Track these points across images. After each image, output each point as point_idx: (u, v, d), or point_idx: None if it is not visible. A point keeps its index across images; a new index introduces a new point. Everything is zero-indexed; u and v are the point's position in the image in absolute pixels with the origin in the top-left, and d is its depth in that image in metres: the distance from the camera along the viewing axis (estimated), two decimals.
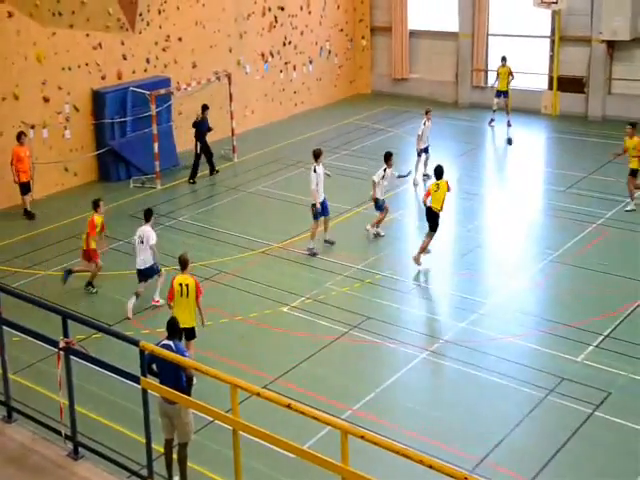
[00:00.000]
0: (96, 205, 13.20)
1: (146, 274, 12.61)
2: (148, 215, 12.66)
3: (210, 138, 19.05)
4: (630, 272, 13.27)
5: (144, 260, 12.50)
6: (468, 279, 13.62)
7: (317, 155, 14.39)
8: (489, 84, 22.55)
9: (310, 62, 24.35)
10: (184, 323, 9.88)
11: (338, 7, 25.05)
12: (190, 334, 10.44)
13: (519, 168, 19.16)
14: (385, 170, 14.79)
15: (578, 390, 10.14)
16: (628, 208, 15.85)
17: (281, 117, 23.37)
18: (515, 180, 18.24)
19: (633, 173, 15.90)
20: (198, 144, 18.55)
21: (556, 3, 21.79)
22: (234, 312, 12.47)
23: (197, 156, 18.50)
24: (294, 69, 23.82)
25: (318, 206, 14.33)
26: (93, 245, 13.19)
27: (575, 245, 14.47)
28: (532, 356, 11.11)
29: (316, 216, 14.41)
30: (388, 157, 14.85)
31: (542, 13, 22.55)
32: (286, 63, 23.49)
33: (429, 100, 24.56)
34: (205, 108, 18.66)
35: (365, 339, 11.63)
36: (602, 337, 11.38)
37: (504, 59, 21.54)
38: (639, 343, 11.19)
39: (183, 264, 10.56)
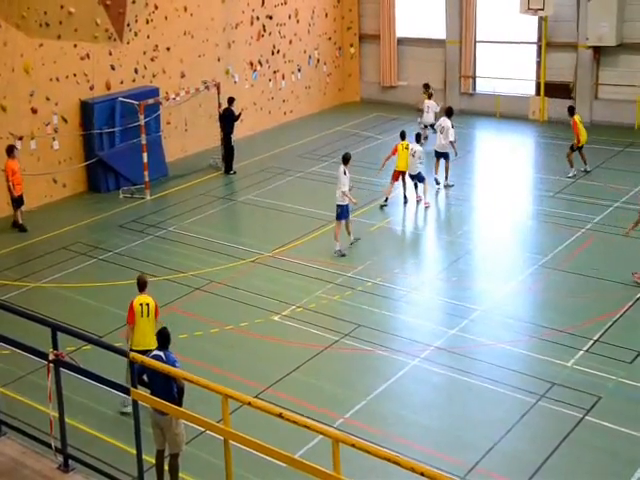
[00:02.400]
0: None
1: None
2: None
3: (199, 147, 19.10)
4: (619, 276, 13.33)
5: None
6: (458, 285, 13.64)
7: (347, 159, 14.78)
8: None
9: (299, 70, 24.41)
10: (149, 345, 9.64)
11: (326, 15, 25.15)
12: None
13: (508, 174, 19.24)
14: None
15: (569, 395, 10.18)
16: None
17: (270, 126, 23.42)
18: (504, 185, 18.31)
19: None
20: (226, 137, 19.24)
21: (542, 10, 21.95)
22: (225, 321, 12.45)
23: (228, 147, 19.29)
24: (283, 78, 23.87)
25: (354, 201, 14.82)
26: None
27: (564, 250, 14.54)
28: (523, 362, 11.14)
29: (339, 216, 14.70)
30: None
31: (529, 19, 22.70)
32: (275, 72, 23.55)
33: (418, 107, 24.68)
34: (231, 100, 19.31)
35: (356, 347, 11.62)
36: (592, 342, 11.43)
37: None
38: (629, 347, 11.24)
39: (141, 285, 10.27)
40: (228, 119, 19.36)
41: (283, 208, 17.01)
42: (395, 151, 16.96)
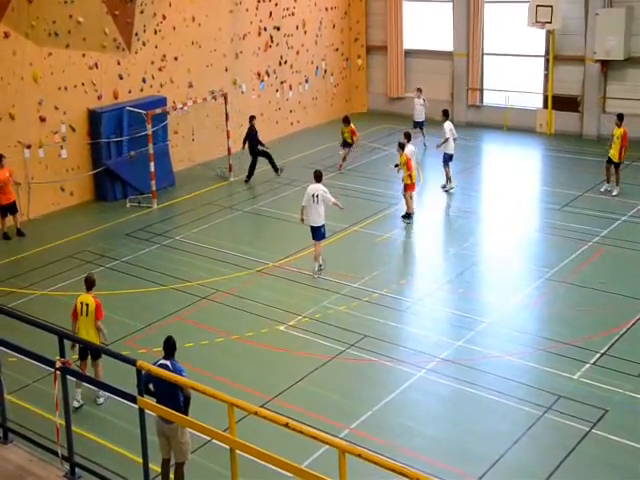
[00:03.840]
0: None
1: None
2: None
3: (206, 157, 19.20)
4: (626, 290, 13.29)
5: None
6: (465, 297, 13.62)
7: (320, 176, 14.38)
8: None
9: (306, 81, 24.50)
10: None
11: (334, 26, 25.26)
12: (95, 354, 10.42)
13: (515, 186, 19.23)
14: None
15: (575, 408, 10.14)
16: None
17: (277, 136, 23.46)
18: (511, 198, 18.30)
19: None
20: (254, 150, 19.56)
21: (550, 23, 22.01)
22: (231, 331, 12.45)
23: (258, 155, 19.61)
24: (290, 88, 23.96)
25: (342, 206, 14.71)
26: None
27: (571, 263, 14.51)
28: (529, 374, 11.10)
29: (320, 237, 14.36)
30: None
31: (536, 33, 22.75)
32: (282, 82, 23.64)
33: (425, 119, 24.74)
34: (252, 118, 19.51)
35: (362, 358, 11.60)
36: (599, 355, 11.39)
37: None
38: (635, 361, 11.19)
39: (89, 284, 10.61)
40: (252, 138, 19.51)
41: (289, 218, 17.01)
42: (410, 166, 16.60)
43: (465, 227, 16.79)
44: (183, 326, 12.58)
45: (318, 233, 14.27)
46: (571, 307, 12.98)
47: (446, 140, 18.52)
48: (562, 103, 22.93)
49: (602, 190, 18.04)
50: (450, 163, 18.60)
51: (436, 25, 25.02)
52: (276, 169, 19.93)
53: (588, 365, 11.13)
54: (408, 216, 16.64)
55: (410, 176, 16.46)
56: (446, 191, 18.49)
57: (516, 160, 21.17)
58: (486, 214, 17.77)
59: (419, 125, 22.39)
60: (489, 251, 15.65)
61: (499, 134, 23.12)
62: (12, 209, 16.52)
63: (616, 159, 17.82)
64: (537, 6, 22.03)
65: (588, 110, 22.52)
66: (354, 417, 10.14)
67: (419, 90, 22.60)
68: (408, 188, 16.57)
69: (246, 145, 19.64)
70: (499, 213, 17.45)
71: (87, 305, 10.43)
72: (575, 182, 18.76)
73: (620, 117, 17.99)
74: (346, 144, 20.58)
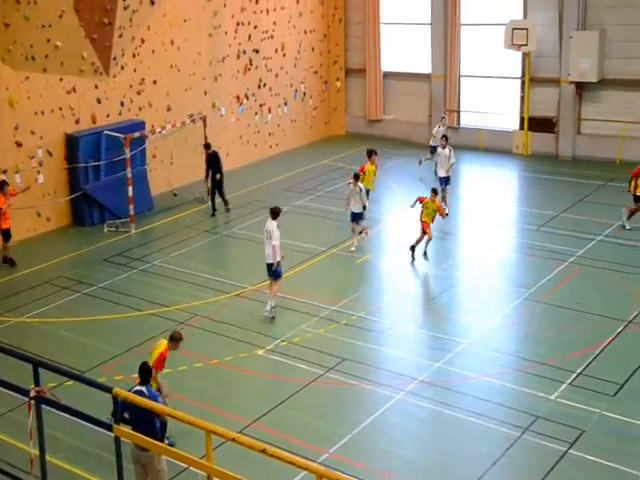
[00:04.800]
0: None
1: None
2: None
3: (184, 181, 19.25)
4: (602, 309, 13.42)
5: None
6: (443, 318, 13.68)
7: (277, 213, 13.65)
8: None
9: (285, 104, 24.64)
10: None
11: (313, 49, 25.47)
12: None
13: (492, 207, 19.40)
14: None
15: (552, 428, 10.18)
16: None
17: (256, 159, 23.55)
18: (489, 219, 18.46)
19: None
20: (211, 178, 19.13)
21: (526, 45, 22.35)
22: (209, 356, 12.39)
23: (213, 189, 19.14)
24: (269, 111, 24.08)
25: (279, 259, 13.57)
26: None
27: (548, 283, 14.63)
28: (507, 395, 11.14)
29: (275, 275, 13.59)
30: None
31: (513, 55, 23.08)
32: (261, 105, 23.75)
33: (403, 141, 24.98)
34: (208, 146, 19.27)
35: (341, 381, 11.59)
36: (575, 374, 11.46)
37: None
38: (611, 380, 11.28)
39: (170, 338, 10.12)
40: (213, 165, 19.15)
41: None
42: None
43: (444, 248, 16.89)
44: None
45: (269, 270, 13.59)
46: (548, 327, 13.07)
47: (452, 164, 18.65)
48: (538, 124, 23.23)
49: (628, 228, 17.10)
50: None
51: (414, 48, 25.30)
52: (226, 203, 19.26)
53: (565, 385, 11.20)
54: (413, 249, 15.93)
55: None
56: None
57: (493, 181, 21.36)
58: (464, 235, 17.89)
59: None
60: (467, 272, 15.74)
61: (476, 155, 23.34)
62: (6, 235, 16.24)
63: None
64: (513, 29, 22.40)
65: (563, 131, 22.83)
66: (333, 441, 10.11)
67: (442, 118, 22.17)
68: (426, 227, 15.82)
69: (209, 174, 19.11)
70: (477, 234, 17.57)
71: (155, 350, 10.03)
72: (551, 203, 18.95)
73: None
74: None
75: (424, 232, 15.79)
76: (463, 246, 17.40)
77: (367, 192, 16.64)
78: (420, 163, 21.75)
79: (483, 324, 13.36)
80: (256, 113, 23.61)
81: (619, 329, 12.77)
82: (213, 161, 19.13)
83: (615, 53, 21.79)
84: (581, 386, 11.17)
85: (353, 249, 16.23)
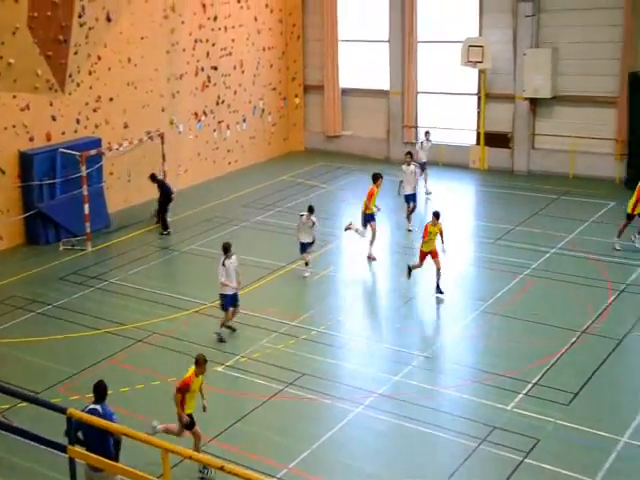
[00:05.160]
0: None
1: None
2: None
3: (142, 198, 19.17)
4: (556, 320, 13.64)
5: None
6: (402, 332, 13.76)
7: (226, 249, 13.27)
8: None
9: (244, 121, 24.66)
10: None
11: (271, 66, 25.58)
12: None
13: (451, 221, 19.57)
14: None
15: (509, 438, 10.29)
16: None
17: (215, 176, 23.49)
18: (447, 233, 18.58)
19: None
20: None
21: (481, 62, 22.77)
22: (167, 374, 12.24)
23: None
24: (228, 128, 24.07)
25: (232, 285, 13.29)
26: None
27: (505, 295, 14.82)
28: (465, 406, 11.24)
29: (224, 306, 13.41)
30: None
31: (469, 72, 23.47)
32: (220, 122, 23.74)
33: (362, 157, 25.19)
34: (154, 177, 19.20)
35: (300, 396, 11.57)
36: (531, 385, 11.61)
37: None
38: (566, 390, 11.46)
39: (196, 361, 9.97)
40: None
41: None
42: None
43: (401, 262, 16.98)
44: (118, 370, 12.35)
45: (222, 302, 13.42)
46: (505, 339, 13.24)
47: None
48: (494, 140, 23.63)
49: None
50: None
51: (372, 64, 25.58)
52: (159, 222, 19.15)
53: (521, 395, 11.34)
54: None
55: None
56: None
57: (451, 195, 21.60)
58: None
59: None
60: (426, 285, 15.84)
61: (434, 170, 23.59)
62: None
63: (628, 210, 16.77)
64: (469, 46, 22.82)
65: (518, 146, 23.26)
66: (292, 456, 10.07)
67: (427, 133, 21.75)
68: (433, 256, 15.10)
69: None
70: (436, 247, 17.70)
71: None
72: (507, 216, 19.24)
73: None
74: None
75: (422, 261, 15.04)
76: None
77: (372, 216, 16.64)
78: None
79: (442, 337, 13.47)
80: (214, 130, 23.59)
81: (573, 339, 13.00)
82: (163, 188, 19.09)
83: (567, 70, 22.30)
84: (537, 396, 11.32)
85: (307, 274, 15.97)
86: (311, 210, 15.97)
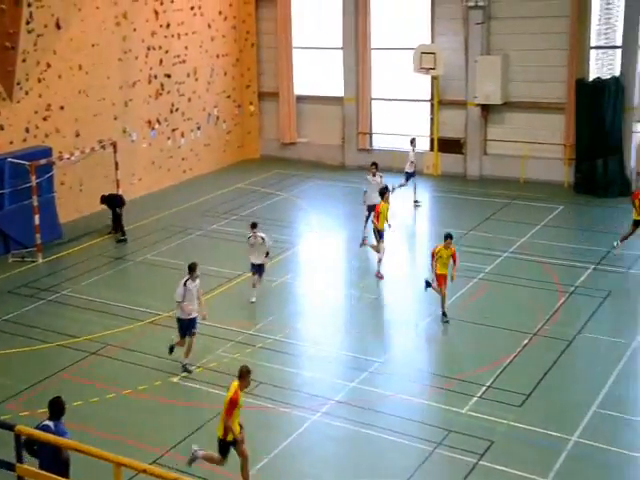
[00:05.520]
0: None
1: None
2: None
3: (95, 208, 19.11)
4: (509, 323, 13.86)
5: None
6: (358, 338, 13.83)
7: (191, 269, 12.61)
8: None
9: (198, 128, 24.53)
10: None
11: (225, 74, 25.50)
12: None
13: (405, 227, 19.81)
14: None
15: (464, 441, 10.42)
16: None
17: (169, 184, 23.31)
18: (402, 239, 18.83)
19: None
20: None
21: (434, 69, 23.05)
22: (122, 386, 12.11)
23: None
24: (182, 136, 23.91)
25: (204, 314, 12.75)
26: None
27: (458, 299, 15.00)
28: (421, 411, 11.35)
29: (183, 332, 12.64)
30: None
31: (422, 78, 23.73)
32: (174, 130, 23.57)
33: (317, 164, 25.27)
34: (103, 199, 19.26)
35: (257, 405, 11.53)
36: (485, 388, 11.79)
37: None
38: (518, 391, 11.65)
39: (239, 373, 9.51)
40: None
41: (182, 267, 16.59)
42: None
43: (359, 269, 17.11)
44: (71, 384, 12.16)
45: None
46: (459, 343, 13.42)
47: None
48: (447, 145, 23.94)
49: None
50: None
51: (327, 71, 25.69)
52: (116, 230, 19.02)
53: (475, 398, 11.50)
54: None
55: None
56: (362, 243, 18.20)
57: (406, 202, 21.77)
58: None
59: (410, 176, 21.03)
60: (382, 291, 15.98)
61: (389, 176, 23.73)
62: None
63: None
64: (422, 53, 23.09)
65: (471, 152, 23.59)
66: (250, 466, 10.02)
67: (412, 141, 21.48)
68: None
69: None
70: (391, 254, 17.82)
71: (227, 394, 9.34)
72: (460, 221, 19.47)
73: None
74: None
75: (441, 284, 14.04)
76: (376, 266, 17.64)
77: (380, 233, 16.20)
78: (393, 190, 21.37)
79: (398, 342, 13.59)
80: (169, 138, 23.41)
81: (525, 341, 13.23)
82: (109, 202, 19.11)
83: (517, 77, 22.73)
84: (491, 398, 11.49)
85: (253, 299, 15.00)
86: (254, 226, 15.08)
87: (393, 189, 21.05)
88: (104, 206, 19.36)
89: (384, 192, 16.78)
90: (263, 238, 15.00)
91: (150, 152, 22.71)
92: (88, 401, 11.64)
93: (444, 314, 14.05)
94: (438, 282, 14.07)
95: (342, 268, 17.60)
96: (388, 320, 14.85)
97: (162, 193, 22.65)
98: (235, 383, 9.41)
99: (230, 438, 9.35)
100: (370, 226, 17.32)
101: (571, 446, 10.29)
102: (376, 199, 18.13)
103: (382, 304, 15.41)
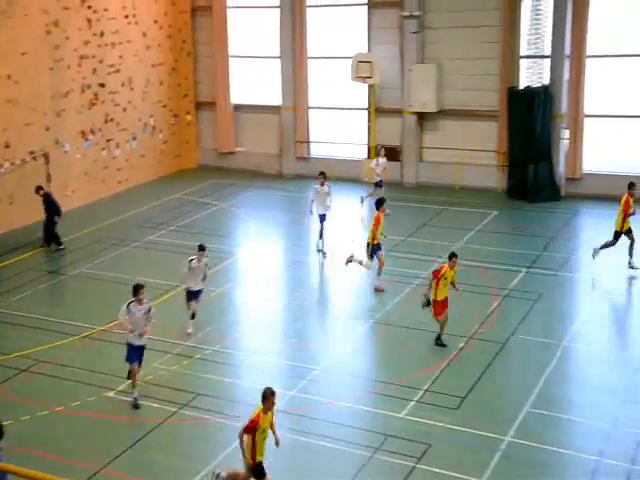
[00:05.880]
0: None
1: None
2: None
3: (26, 220, 18.51)
4: (446, 328, 14.00)
5: None
6: (297, 346, 13.81)
7: (136, 289, 11.76)
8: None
9: (134, 139, 24.19)
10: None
11: (161, 83, 25.24)
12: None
13: (342, 235, 19.89)
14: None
15: (402, 445, 10.51)
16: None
17: (104, 195, 22.92)
18: (339, 246, 18.88)
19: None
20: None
21: (370, 77, 23.29)
22: (55, 403, 11.81)
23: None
24: (117, 146, 23.54)
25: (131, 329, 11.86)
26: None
27: (395, 306, 15.15)
28: (359, 417, 11.40)
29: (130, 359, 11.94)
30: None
31: (359, 87, 23.93)
32: (108, 140, 23.19)
33: (255, 173, 25.21)
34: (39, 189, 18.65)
35: (195, 417, 11.41)
36: (422, 392, 11.92)
37: None
38: (454, 394, 11.82)
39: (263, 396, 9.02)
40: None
41: (119, 280, 16.52)
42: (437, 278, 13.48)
43: (295, 277, 17.11)
44: (1, 403, 11.77)
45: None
46: (397, 348, 13.53)
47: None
48: (384, 153, 24.10)
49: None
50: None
51: (264, 80, 25.67)
52: (48, 242, 18.62)
53: (413, 403, 11.62)
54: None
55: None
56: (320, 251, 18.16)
57: (344, 209, 21.90)
58: (315, 263, 18.18)
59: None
60: (319, 299, 16.02)
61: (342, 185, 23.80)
62: None
63: (617, 227, 16.38)
64: (358, 62, 23.33)
65: (407, 159, 23.90)
66: (188, 479, 9.89)
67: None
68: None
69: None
70: (328, 262, 17.93)
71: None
72: (398, 228, 19.63)
73: (630, 184, 16.34)
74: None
75: (440, 312, 13.25)
76: (314, 274, 17.71)
77: (379, 246, 15.83)
78: (362, 201, 21.20)
79: (335, 349, 13.62)
80: (103, 148, 23.02)
81: (461, 345, 13.44)
82: (49, 203, 18.57)
83: (452, 85, 23.16)
84: (428, 402, 11.63)
85: (190, 330, 14.00)
86: (202, 249, 13.86)
87: (362, 200, 21.26)
88: (41, 207, 18.67)
89: (381, 202, 16.22)
90: (207, 265, 14.06)
91: (84, 163, 22.29)
92: (19, 420, 11.30)
93: (439, 337, 13.29)
94: (435, 310, 13.19)
95: (279, 276, 17.56)
96: (326, 328, 14.88)
97: (97, 205, 22.25)
98: (259, 407, 8.94)
99: (260, 459, 8.92)
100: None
101: (505, 446, 10.48)
102: (326, 210, 18.09)
103: (318, 312, 15.42)
